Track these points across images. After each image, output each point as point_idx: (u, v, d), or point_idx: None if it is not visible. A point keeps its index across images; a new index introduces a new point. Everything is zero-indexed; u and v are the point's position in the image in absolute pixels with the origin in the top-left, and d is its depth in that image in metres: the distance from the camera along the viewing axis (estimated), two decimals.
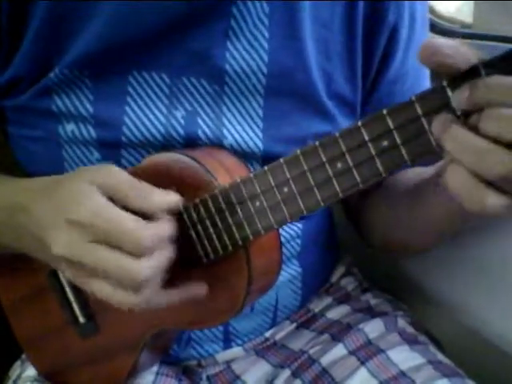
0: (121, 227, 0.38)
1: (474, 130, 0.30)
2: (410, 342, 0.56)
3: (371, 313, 0.61)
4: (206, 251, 0.43)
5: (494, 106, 0.29)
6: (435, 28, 0.74)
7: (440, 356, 0.56)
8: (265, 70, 0.48)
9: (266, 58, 0.48)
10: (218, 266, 0.43)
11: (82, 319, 0.51)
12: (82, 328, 0.51)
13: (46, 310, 0.53)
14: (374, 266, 0.71)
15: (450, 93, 0.31)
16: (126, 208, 0.39)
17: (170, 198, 0.41)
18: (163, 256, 0.40)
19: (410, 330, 0.59)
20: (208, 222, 0.42)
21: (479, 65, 0.30)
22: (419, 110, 0.32)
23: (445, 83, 0.31)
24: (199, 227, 0.42)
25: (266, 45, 0.48)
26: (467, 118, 0.30)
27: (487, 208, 0.30)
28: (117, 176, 0.40)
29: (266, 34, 0.48)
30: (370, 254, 0.68)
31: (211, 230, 0.42)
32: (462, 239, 0.62)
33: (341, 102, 0.52)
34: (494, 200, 0.30)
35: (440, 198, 0.46)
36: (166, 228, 0.40)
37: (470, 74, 0.30)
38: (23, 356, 0.61)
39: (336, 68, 0.51)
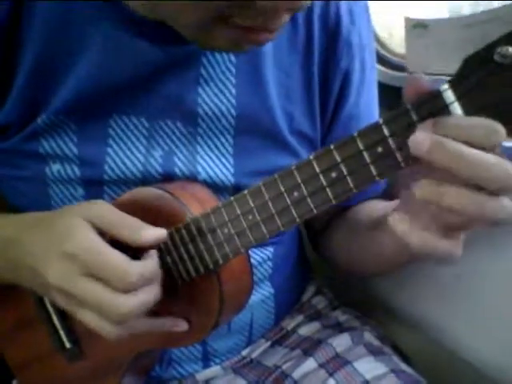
0: (109, 263, 0.39)
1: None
2: (375, 353, 0.57)
3: (340, 328, 0.62)
4: (181, 274, 0.44)
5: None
6: (386, 63, 0.78)
7: (403, 366, 0.57)
8: (233, 112, 0.50)
9: (234, 101, 0.50)
10: (192, 289, 0.44)
11: (68, 345, 0.51)
12: (68, 353, 0.51)
13: (35, 337, 0.53)
14: (343, 285, 0.73)
15: (385, 129, 0.34)
16: (115, 242, 0.40)
17: (159, 232, 0.41)
18: (148, 294, 0.40)
19: (376, 342, 0.60)
20: (182, 249, 0.43)
21: (410, 108, 0.33)
22: (360, 145, 0.34)
23: (381, 121, 0.34)
24: (174, 253, 0.44)
25: (233, 90, 0.50)
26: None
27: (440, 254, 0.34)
28: (109, 212, 0.42)
29: (234, 81, 0.50)
30: (339, 274, 0.70)
31: (185, 255, 0.43)
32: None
33: (302, 138, 0.54)
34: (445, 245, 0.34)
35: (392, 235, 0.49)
36: (151, 266, 0.41)
37: (402, 114, 0.33)
38: (14, 382, 0.60)
39: (296, 108, 0.53)
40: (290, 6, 0.34)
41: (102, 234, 0.41)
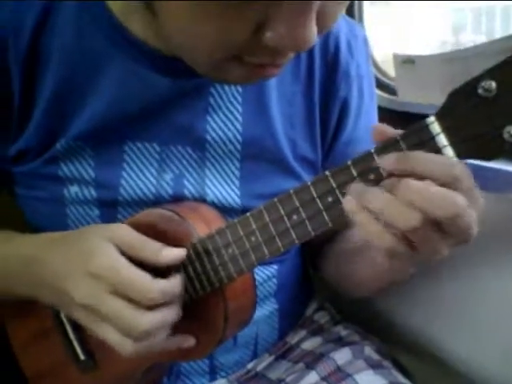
0: (133, 280, 0.41)
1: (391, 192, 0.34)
2: (375, 366, 0.58)
3: (341, 342, 0.63)
4: (188, 292, 0.45)
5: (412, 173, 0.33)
6: (384, 87, 0.81)
7: (402, 379, 0.58)
8: (240, 138, 0.52)
9: (240, 128, 0.52)
10: (198, 306, 0.46)
11: (82, 356, 0.52)
12: (82, 364, 0.52)
13: (51, 349, 0.54)
14: (345, 301, 0.73)
15: (376, 158, 0.35)
16: (136, 262, 0.42)
17: (178, 252, 0.43)
18: (169, 313, 0.42)
19: (376, 356, 0.60)
20: (189, 268, 0.45)
21: (399, 138, 0.35)
22: (354, 172, 0.36)
23: (372, 150, 0.35)
24: (181, 272, 0.45)
25: (240, 118, 0.52)
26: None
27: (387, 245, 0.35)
28: (131, 234, 0.43)
29: (240, 109, 0.52)
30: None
31: (192, 274, 0.45)
32: (429, 277, 0.64)
33: (304, 163, 0.56)
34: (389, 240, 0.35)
35: (370, 260, 0.49)
36: (173, 285, 0.42)
37: (392, 144, 0.35)
38: None
39: (299, 135, 0.55)
40: (297, 47, 0.36)
41: (123, 254, 0.42)
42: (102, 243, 0.43)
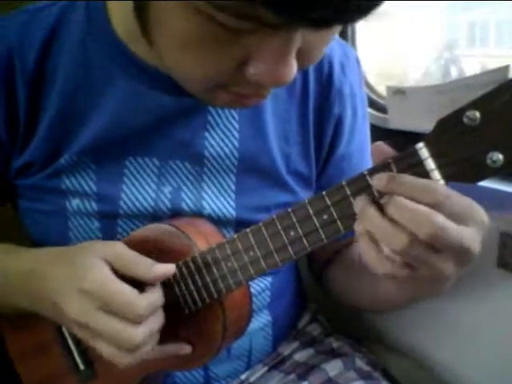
0: (121, 297, 0.43)
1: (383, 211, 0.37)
2: (365, 377, 0.60)
3: (333, 354, 0.65)
4: (188, 303, 0.47)
5: (399, 194, 0.36)
6: (374, 105, 0.84)
7: None
8: (236, 154, 0.54)
9: (237, 144, 0.54)
10: (197, 316, 0.48)
11: (82, 366, 0.54)
12: (82, 374, 0.54)
13: (50, 360, 0.56)
14: (338, 313, 0.75)
15: (369, 179, 0.38)
16: (129, 279, 0.44)
17: (168, 268, 0.45)
18: (155, 322, 0.44)
19: (366, 368, 0.63)
20: (189, 280, 0.47)
21: (391, 161, 0.38)
22: (348, 191, 0.39)
23: (365, 172, 0.38)
24: (182, 284, 0.47)
25: (236, 134, 0.54)
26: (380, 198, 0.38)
27: (387, 272, 0.37)
28: (124, 252, 0.45)
29: (237, 126, 0.54)
30: (334, 302, 0.73)
31: (192, 286, 0.47)
32: None
33: (298, 178, 0.58)
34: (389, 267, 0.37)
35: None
36: (157, 298, 0.45)
37: (384, 167, 0.38)
38: None
39: (293, 150, 0.57)
40: (276, 83, 0.38)
41: (116, 271, 0.44)
42: (96, 261, 0.44)
